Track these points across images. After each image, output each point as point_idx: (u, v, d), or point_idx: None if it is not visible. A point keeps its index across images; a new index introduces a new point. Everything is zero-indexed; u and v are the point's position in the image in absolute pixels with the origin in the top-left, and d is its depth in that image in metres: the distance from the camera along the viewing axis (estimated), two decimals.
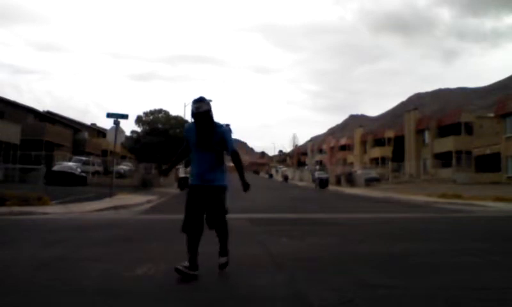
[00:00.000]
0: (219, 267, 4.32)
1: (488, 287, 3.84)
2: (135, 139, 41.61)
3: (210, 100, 4.39)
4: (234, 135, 4.79)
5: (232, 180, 4.90)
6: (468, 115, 45.07)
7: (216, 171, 4.24)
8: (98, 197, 16.13)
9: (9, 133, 29.86)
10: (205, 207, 4.17)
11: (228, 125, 4.78)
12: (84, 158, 34.10)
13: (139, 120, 41.63)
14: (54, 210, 11.83)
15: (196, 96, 4.14)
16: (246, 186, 4.39)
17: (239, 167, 4.38)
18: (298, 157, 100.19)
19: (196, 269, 4.05)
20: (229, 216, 4.38)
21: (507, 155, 33.88)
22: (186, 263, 4.03)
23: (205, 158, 4.21)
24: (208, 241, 5.14)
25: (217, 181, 4.23)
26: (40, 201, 12.72)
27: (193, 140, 4.24)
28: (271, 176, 71.03)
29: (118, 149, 32.38)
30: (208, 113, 4.10)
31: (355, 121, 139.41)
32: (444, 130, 44.67)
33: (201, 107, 4.06)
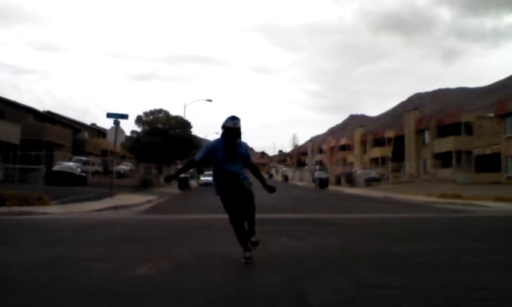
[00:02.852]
0: (252, 244, 4.76)
1: (488, 287, 3.84)
2: (135, 139, 41.58)
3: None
4: None
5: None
6: (468, 115, 45.05)
7: (242, 174, 4.82)
8: (98, 197, 16.14)
9: (9, 133, 29.84)
10: (239, 199, 4.66)
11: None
12: (84, 158, 34.07)
13: (139, 120, 41.61)
14: (54, 210, 11.84)
15: (231, 115, 4.71)
16: (271, 189, 5.08)
17: (260, 176, 5.04)
18: (298, 157, 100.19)
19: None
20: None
21: (507, 155, 33.88)
22: (248, 254, 4.67)
23: (232, 168, 4.72)
24: (208, 243, 5.14)
25: (244, 176, 4.79)
26: (40, 201, 12.72)
27: (220, 155, 4.70)
28: (271, 176, 71.03)
29: (118, 149, 32.36)
30: (239, 130, 4.69)
31: (355, 121, 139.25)
32: (444, 130, 44.67)
33: (238, 124, 4.64)
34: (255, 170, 5.02)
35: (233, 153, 4.73)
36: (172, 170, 42.60)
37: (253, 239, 4.80)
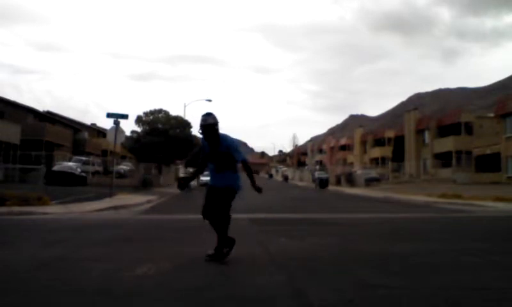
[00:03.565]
0: (206, 257, 4.77)
1: (488, 287, 3.84)
2: (135, 139, 41.62)
3: (209, 110, 4.84)
4: (233, 136, 4.98)
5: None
6: (468, 115, 45.03)
7: (226, 175, 4.74)
8: (98, 197, 16.14)
9: (9, 133, 29.83)
10: (214, 202, 4.74)
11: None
12: (84, 158, 34.07)
13: (139, 120, 41.66)
14: (54, 210, 11.84)
15: (205, 112, 4.72)
16: (257, 190, 4.97)
17: (249, 173, 4.94)
18: (298, 157, 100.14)
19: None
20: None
21: (507, 155, 33.86)
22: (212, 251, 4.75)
23: (215, 165, 4.76)
24: (207, 242, 5.14)
25: (227, 183, 4.74)
26: (40, 201, 12.72)
27: (207, 149, 4.79)
28: (271, 176, 71.06)
29: (118, 149, 32.36)
30: (213, 126, 4.60)
31: (355, 121, 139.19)
32: (444, 130, 44.65)
33: (207, 121, 4.60)
34: (246, 167, 4.92)
35: (215, 152, 4.72)
36: (172, 170, 42.60)
37: (210, 252, 4.83)
